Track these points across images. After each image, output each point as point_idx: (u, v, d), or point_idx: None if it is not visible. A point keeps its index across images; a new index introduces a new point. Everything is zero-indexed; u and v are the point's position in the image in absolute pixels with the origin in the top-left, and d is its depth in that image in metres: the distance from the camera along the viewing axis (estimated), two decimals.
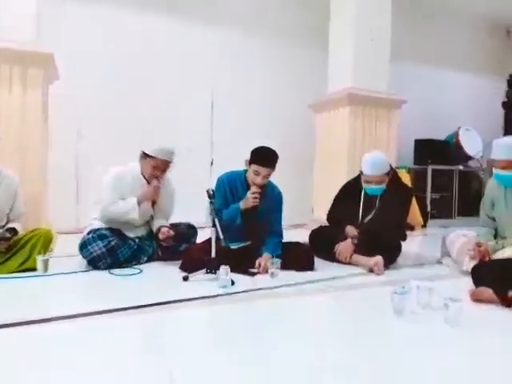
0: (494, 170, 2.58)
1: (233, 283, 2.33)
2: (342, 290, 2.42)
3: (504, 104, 6.07)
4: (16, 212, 2.68)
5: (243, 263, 2.64)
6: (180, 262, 2.69)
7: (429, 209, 5.54)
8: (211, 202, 2.52)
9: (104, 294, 2.26)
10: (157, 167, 2.81)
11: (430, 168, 5.63)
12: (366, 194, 3.14)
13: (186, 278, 2.40)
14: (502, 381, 1.38)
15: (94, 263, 2.65)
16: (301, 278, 2.54)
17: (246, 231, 2.77)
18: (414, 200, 5.18)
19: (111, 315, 1.86)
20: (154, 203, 2.88)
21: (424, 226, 5.32)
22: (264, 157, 2.66)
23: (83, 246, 2.67)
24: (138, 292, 2.28)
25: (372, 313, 2.03)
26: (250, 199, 2.65)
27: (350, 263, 2.94)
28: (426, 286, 2.03)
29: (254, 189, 2.66)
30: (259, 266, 2.63)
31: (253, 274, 2.59)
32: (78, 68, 4.28)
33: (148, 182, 2.85)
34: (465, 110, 6.43)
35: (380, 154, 3.12)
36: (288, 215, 4.57)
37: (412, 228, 5.03)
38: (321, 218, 3.40)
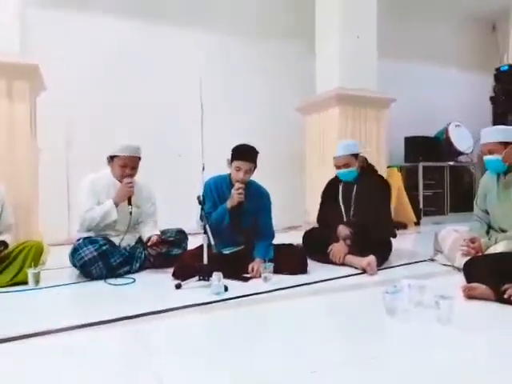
0: (484, 158, 2.63)
1: (226, 289, 2.32)
2: (335, 292, 2.42)
3: (492, 99, 6.12)
4: (4, 223, 2.66)
5: (236, 268, 2.64)
6: (172, 269, 2.68)
7: (421, 206, 5.57)
8: (202, 209, 2.52)
9: (97, 304, 2.25)
10: (125, 165, 2.81)
11: (421, 165, 5.66)
12: (343, 186, 3.21)
13: (178, 286, 2.39)
14: (495, 377, 1.38)
15: (86, 268, 2.63)
16: (294, 282, 2.54)
17: (236, 234, 2.79)
18: (406, 198, 5.24)
19: (105, 326, 1.85)
20: (130, 202, 2.83)
21: (417, 223, 5.35)
22: (243, 152, 2.74)
23: (74, 251, 2.66)
24: (132, 301, 2.27)
25: (366, 313, 2.03)
26: (234, 196, 2.69)
27: (343, 264, 2.94)
28: (417, 284, 2.03)
29: (237, 185, 2.71)
30: (252, 270, 2.63)
31: (246, 279, 2.59)
32: (65, 76, 4.26)
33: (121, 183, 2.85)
34: (453, 105, 6.47)
35: (349, 140, 3.20)
36: (282, 217, 4.61)
37: (405, 226, 5.06)
38: (315, 219, 3.43)
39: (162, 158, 4.74)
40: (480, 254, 2.53)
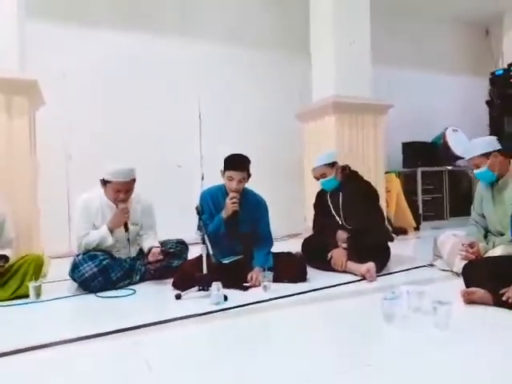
0: (474, 172, 2.73)
1: (226, 299, 2.33)
2: (334, 299, 2.43)
3: (488, 102, 6.16)
4: (5, 238, 2.67)
5: (236, 278, 2.65)
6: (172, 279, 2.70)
7: (421, 211, 5.58)
8: (200, 219, 2.54)
9: (98, 317, 2.25)
10: (119, 191, 2.75)
11: (419, 170, 5.68)
12: (330, 196, 3.27)
13: (178, 297, 2.40)
14: (494, 382, 1.39)
15: (86, 284, 2.64)
16: (294, 290, 2.55)
17: (234, 243, 2.80)
18: (405, 203, 5.25)
19: (105, 338, 1.86)
20: (126, 227, 2.80)
21: (417, 228, 5.35)
22: (234, 162, 2.77)
23: (74, 268, 2.67)
24: (132, 313, 2.28)
25: (364, 320, 2.04)
26: (229, 206, 2.71)
27: (344, 271, 2.94)
28: (416, 290, 2.04)
29: (231, 195, 2.73)
30: (251, 279, 2.65)
31: (246, 289, 2.60)
32: (64, 89, 4.31)
33: (117, 206, 2.80)
34: (450, 110, 6.51)
35: (326, 150, 3.32)
36: (282, 225, 4.63)
37: (405, 231, 5.06)
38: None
39: (162, 169, 4.78)
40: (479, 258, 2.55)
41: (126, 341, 1.85)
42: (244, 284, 2.65)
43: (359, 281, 2.76)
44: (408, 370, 1.47)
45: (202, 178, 5.05)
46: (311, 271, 2.93)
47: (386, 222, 4.67)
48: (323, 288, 2.60)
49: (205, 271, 2.43)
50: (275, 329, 2.02)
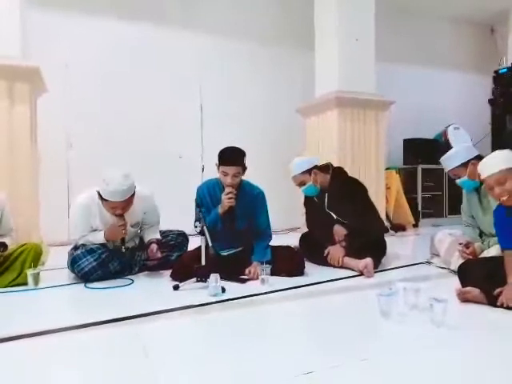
0: (456, 182, 2.81)
1: (224, 290, 2.34)
2: (331, 294, 2.44)
3: (490, 101, 6.14)
4: (5, 228, 2.67)
5: (234, 270, 2.66)
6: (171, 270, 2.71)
7: (420, 208, 5.58)
8: (200, 211, 2.54)
9: (96, 305, 2.27)
10: (115, 207, 2.61)
11: (419, 167, 5.68)
12: (317, 196, 3.23)
13: (176, 287, 2.42)
14: (488, 379, 1.40)
15: (86, 277, 2.65)
16: (291, 283, 2.56)
17: (232, 237, 2.79)
18: (404, 200, 5.26)
19: (103, 327, 1.87)
20: (123, 241, 2.71)
21: (416, 225, 5.37)
22: (228, 156, 2.68)
23: (73, 262, 2.66)
24: (130, 303, 2.29)
25: (361, 315, 2.05)
26: (224, 201, 2.67)
27: (341, 267, 2.95)
28: (412, 287, 2.05)
29: (227, 190, 2.68)
30: (249, 272, 2.66)
31: (243, 281, 2.61)
32: (66, 78, 4.30)
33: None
34: (452, 108, 6.49)
35: (297, 158, 3.27)
36: (282, 219, 4.64)
37: (403, 228, 5.08)
38: None
39: (163, 160, 4.78)
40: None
41: (122, 330, 1.86)
42: (242, 276, 2.66)
43: (357, 276, 2.77)
44: (403, 364, 1.48)
45: (203, 170, 5.05)
46: (309, 265, 2.94)
47: (385, 217, 4.69)
48: (321, 282, 2.61)
49: (203, 263, 2.44)
50: (272, 321, 2.03)
